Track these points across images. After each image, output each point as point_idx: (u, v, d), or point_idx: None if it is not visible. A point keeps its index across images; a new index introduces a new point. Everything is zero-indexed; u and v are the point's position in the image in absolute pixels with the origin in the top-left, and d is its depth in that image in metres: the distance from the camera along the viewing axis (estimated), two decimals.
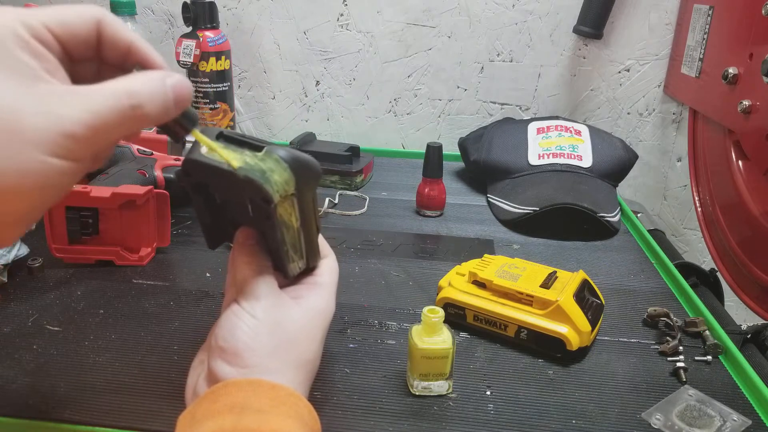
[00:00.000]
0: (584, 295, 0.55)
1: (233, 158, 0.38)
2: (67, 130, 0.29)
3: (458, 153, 0.99)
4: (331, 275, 0.45)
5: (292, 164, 0.38)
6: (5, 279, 0.60)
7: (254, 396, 0.35)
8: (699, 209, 0.95)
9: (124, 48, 0.35)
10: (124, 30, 0.34)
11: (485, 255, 0.62)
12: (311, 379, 0.41)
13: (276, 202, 0.38)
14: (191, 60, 0.96)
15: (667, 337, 0.56)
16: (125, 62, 0.35)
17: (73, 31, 0.32)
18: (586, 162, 0.86)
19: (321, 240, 0.46)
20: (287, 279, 0.43)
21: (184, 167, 0.41)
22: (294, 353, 0.39)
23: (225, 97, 1.01)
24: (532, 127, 0.92)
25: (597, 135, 0.90)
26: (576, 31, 1.03)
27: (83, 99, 0.30)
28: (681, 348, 0.54)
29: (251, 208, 0.40)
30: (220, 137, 0.39)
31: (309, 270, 0.45)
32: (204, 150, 0.39)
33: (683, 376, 0.51)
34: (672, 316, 0.58)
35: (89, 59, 0.35)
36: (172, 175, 0.76)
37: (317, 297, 0.42)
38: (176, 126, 0.36)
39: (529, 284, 0.55)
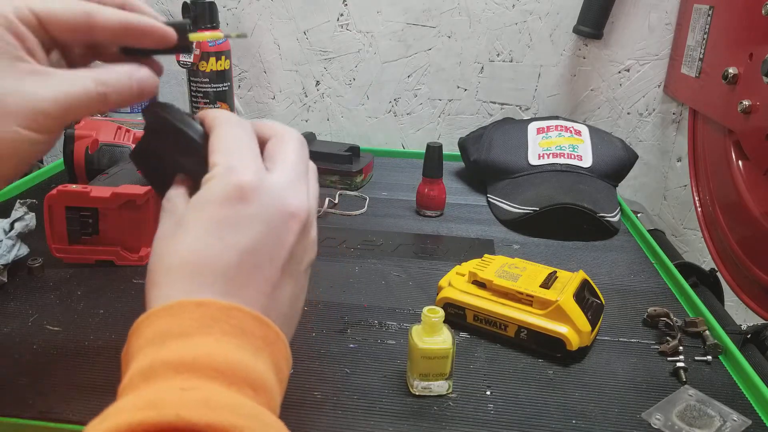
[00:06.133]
0: (584, 295, 0.55)
1: None
2: (40, 107, 0.33)
3: (458, 153, 0.99)
4: (227, 153, 0.35)
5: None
6: (5, 279, 0.60)
7: (177, 319, 0.30)
8: (699, 209, 0.95)
9: (118, 31, 0.37)
10: (115, 17, 0.36)
11: (485, 255, 0.62)
12: (255, 285, 0.33)
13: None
14: (191, 60, 0.96)
15: (667, 337, 0.56)
16: (119, 42, 0.38)
17: (60, 20, 0.35)
18: (586, 162, 0.86)
19: (267, 125, 0.39)
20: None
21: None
22: (190, 260, 0.32)
23: (225, 97, 1.01)
24: (532, 127, 0.92)
25: (597, 135, 0.90)
26: (576, 31, 1.03)
27: (57, 81, 0.34)
28: (681, 348, 0.54)
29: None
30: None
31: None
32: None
33: (683, 376, 0.51)
34: (672, 316, 0.58)
35: (79, 43, 0.38)
36: None
37: (204, 188, 0.34)
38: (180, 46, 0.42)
39: (529, 284, 0.55)
